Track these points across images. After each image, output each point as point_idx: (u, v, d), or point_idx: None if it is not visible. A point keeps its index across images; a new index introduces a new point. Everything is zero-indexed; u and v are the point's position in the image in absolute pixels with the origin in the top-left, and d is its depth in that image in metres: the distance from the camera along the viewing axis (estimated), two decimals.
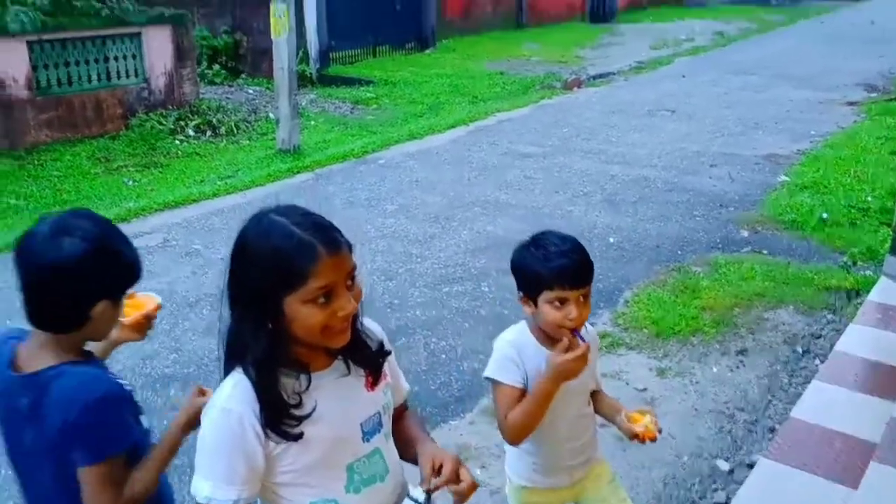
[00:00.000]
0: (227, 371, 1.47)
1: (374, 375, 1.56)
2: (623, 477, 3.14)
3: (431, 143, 8.53)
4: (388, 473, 1.57)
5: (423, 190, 6.89)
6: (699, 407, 3.69)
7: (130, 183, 7.54)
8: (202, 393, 1.69)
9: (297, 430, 1.43)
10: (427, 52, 14.95)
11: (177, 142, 8.92)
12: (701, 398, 3.76)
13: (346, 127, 9.55)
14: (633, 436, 2.00)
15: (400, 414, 1.73)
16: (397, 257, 5.41)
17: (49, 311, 1.53)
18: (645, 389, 3.82)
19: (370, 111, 10.46)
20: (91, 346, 1.67)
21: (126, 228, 5.75)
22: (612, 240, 5.75)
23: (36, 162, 8.07)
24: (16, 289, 1.55)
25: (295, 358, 1.45)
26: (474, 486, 1.50)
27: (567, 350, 1.86)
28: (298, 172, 7.41)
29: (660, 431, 2.02)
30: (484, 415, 3.63)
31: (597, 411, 2.18)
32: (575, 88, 11.80)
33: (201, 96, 10.26)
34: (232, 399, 1.42)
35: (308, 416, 1.44)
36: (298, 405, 1.43)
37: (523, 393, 1.95)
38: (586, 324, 2.10)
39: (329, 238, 1.41)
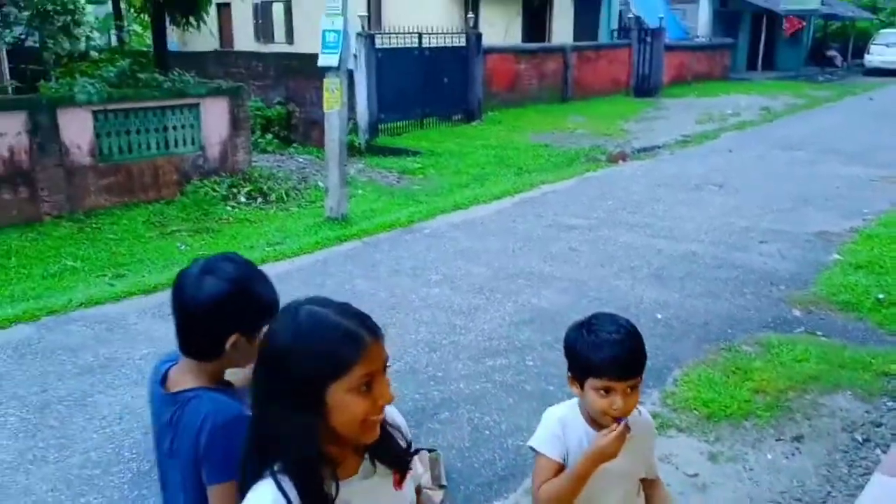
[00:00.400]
0: (251, 472, 1.43)
1: (402, 473, 1.54)
2: None
3: (476, 214, 8.60)
4: None
5: (468, 260, 6.91)
6: (754, 496, 3.54)
7: (182, 247, 7.73)
8: None
9: None
10: (473, 123, 15.23)
11: (228, 208, 9.17)
12: (756, 486, 3.61)
13: (393, 196, 9.70)
14: None
15: (417, 497, 1.71)
16: (441, 328, 5.39)
17: (192, 341, 1.74)
18: (696, 475, 3.69)
19: (416, 181, 10.63)
20: (232, 376, 1.83)
21: None
22: (659, 316, 5.66)
23: (94, 225, 8.35)
24: None
25: (328, 459, 1.42)
26: None
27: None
28: (346, 240, 7.51)
29: None
30: (528, 495, 3.53)
31: (647, 502, 2.12)
32: (620, 161, 11.85)
33: (254, 164, 10.58)
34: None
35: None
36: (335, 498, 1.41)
37: (561, 468, 1.95)
38: (641, 409, 2.09)
39: (371, 325, 1.42)
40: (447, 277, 6.44)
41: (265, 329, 1.54)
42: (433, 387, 4.53)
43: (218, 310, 1.69)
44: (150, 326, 5.37)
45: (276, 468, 1.39)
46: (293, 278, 6.25)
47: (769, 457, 3.85)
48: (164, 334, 5.07)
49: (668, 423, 4.16)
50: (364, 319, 1.43)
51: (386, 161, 11.81)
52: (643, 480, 2.13)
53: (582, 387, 1.94)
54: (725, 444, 3.96)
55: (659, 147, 13.20)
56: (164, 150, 9.44)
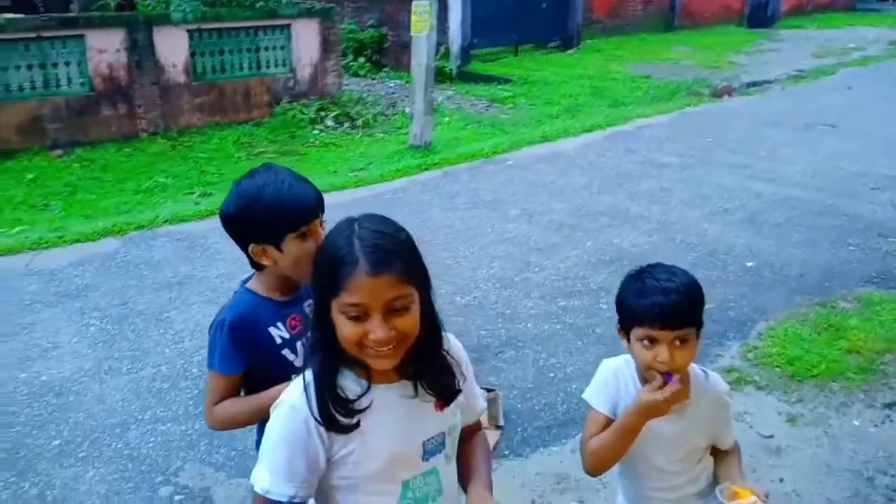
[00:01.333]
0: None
1: (445, 402, 1.51)
2: None
3: (564, 147, 8.28)
4: (441, 495, 1.53)
5: (550, 195, 6.68)
6: (833, 464, 3.30)
7: None
8: None
9: (351, 421, 1.41)
10: (570, 51, 14.61)
11: (315, 131, 9.18)
12: (836, 454, 3.36)
13: (480, 125, 9.46)
14: None
15: (469, 434, 1.66)
16: (515, 264, 5.24)
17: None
18: (771, 436, 3.47)
19: (505, 110, 10.32)
20: None
21: None
22: (749, 264, 5.31)
23: (186, 143, 8.53)
24: None
25: (356, 360, 1.43)
26: None
27: (659, 389, 1.74)
28: (427, 169, 7.39)
29: None
30: None
31: (714, 473, 1.97)
32: (725, 96, 11.13)
33: (343, 88, 10.51)
34: (297, 398, 1.42)
35: (363, 410, 1.42)
36: (354, 401, 1.42)
37: (610, 422, 1.86)
38: (709, 373, 1.97)
39: (377, 259, 1.33)
40: (526, 212, 6.25)
41: (290, 238, 1.74)
42: (500, 324, 4.43)
43: (228, 224, 1.84)
44: (228, 246, 5.43)
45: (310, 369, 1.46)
46: (370, 206, 6.15)
47: (855, 423, 3.57)
48: (240, 255, 5.14)
49: (746, 378, 3.92)
50: (379, 252, 1.34)
51: (476, 88, 11.51)
52: (715, 451, 1.98)
53: (629, 339, 1.82)
54: (808, 405, 3.70)
55: (769, 82, 12.31)
56: (256, 71, 9.47)
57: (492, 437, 3.43)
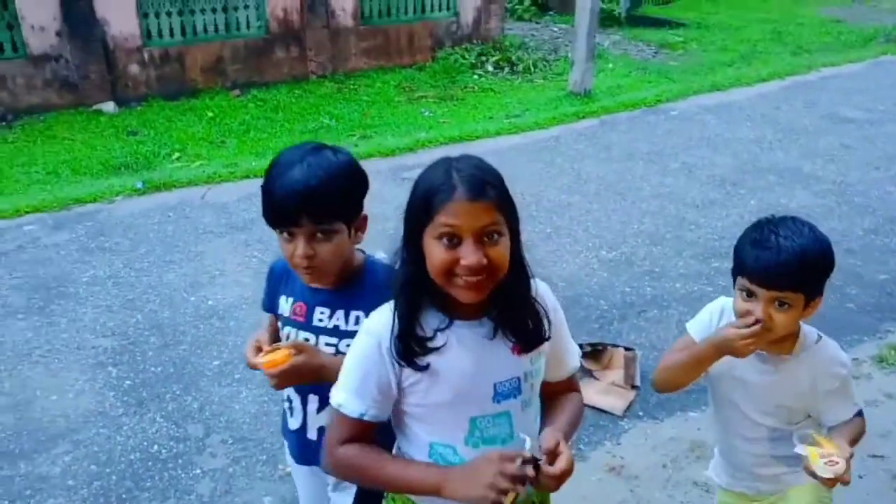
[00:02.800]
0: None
1: (524, 346, 1.50)
2: None
3: (735, 97, 7.74)
4: (511, 440, 1.50)
5: (714, 149, 6.29)
6: None
7: (427, 114, 7.93)
8: None
9: (423, 362, 1.44)
10: None
11: (475, 76, 9.17)
12: None
13: (645, 72, 9.04)
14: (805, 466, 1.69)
15: (559, 392, 1.64)
16: (668, 221, 5.02)
17: None
18: None
19: (674, 56, 9.78)
20: None
21: (411, 158, 6.16)
22: None
23: (352, 86, 8.82)
24: None
25: (439, 296, 1.45)
26: (555, 484, 1.40)
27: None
28: (584, 117, 7.18)
29: (844, 483, 1.65)
30: None
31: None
32: None
33: (506, 32, 10.38)
34: (378, 325, 1.48)
35: (437, 349, 1.44)
36: (431, 339, 1.44)
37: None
38: (825, 337, 1.86)
39: (474, 186, 1.37)
40: (686, 166, 5.94)
41: (278, 231, 1.67)
42: (647, 282, 4.28)
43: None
44: (383, 189, 5.62)
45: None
46: (523, 153, 6.14)
47: None
48: (393, 196, 5.29)
49: None
50: (476, 181, 1.38)
51: (645, 33, 10.97)
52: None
53: (734, 284, 1.77)
54: None
55: None
56: (421, 15, 9.56)
57: (626, 396, 3.38)
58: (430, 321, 1.46)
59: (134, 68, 8.00)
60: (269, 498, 2.85)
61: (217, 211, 5.35)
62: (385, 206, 5.43)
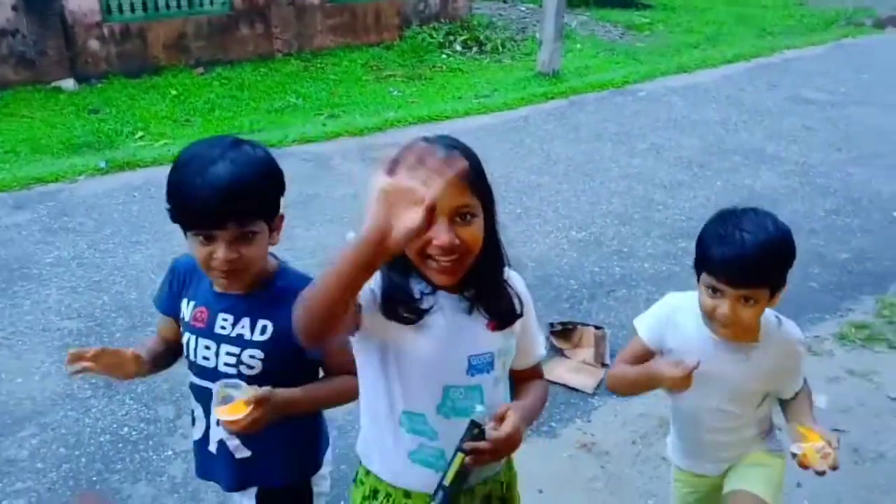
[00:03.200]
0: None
1: (498, 323, 1.51)
2: (848, 495, 2.74)
3: (700, 79, 7.82)
4: (484, 414, 1.50)
5: (681, 130, 6.37)
6: None
7: (395, 93, 7.88)
8: None
9: (412, 317, 1.43)
10: None
11: (443, 56, 9.12)
12: None
13: (613, 53, 9.08)
14: (793, 455, 1.72)
15: (527, 378, 1.67)
16: (637, 201, 5.08)
17: None
18: None
19: (641, 38, 9.84)
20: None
21: (382, 138, 6.13)
22: None
23: (318, 65, 8.71)
24: None
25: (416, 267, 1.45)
26: (498, 447, 1.41)
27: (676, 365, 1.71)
28: (553, 98, 7.20)
29: (833, 468, 1.68)
30: None
31: (785, 416, 1.94)
32: (890, 27, 10.09)
33: (474, 11, 10.33)
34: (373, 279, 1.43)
35: (427, 310, 1.44)
36: (419, 300, 1.44)
37: (647, 353, 1.86)
38: (784, 320, 1.87)
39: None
40: (654, 147, 6.00)
41: (191, 235, 1.55)
42: (615, 262, 4.33)
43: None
44: (352, 168, 5.59)
45: None
46: (492, 134, 6.14)
47: None
48: (364, 177, 5.26)
49: (878, 336, 3.68)
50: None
51: (612, 14, 11.01)
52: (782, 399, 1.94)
53: (699, 279, 1.75)
54: None
55: None
56: None
57: (597, 374, 3.42)
58: (415, 286, 1.46)
59: (94, 44, 7.79)
60: None
61: None
62: (356, 186, 5.45)
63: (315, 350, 1.40)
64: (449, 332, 1.46)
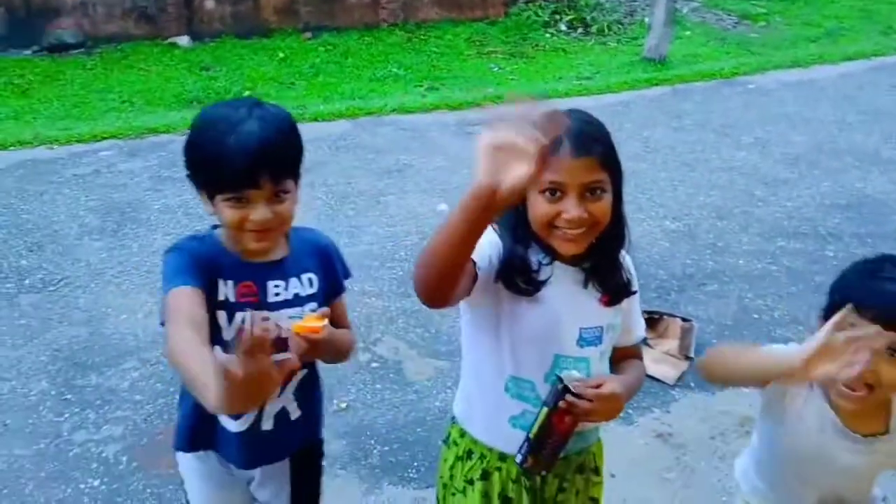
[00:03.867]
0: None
1: (611, 298, 1.56)
2: None
3: (816, 75, 7.45)
4: None
5: (790, 126, 6.11)
6: None
7: (496, 69, 7.86)
8: None
9: (529, 288, 1.47)
10: None
11: (547, 35, 9.00)
12: None
13: (724, 42, 8.76)
14: None
15: (626, 357, 1.68)
16: (736, 195, 4.92)
17: None
18: None
19: (756, 28, 9.44)
20: None
21: (477, 114, 6.13)
22: None
23: (422, 36, 8.75)
24: None
25: (542, 242, 1.49)
26: (595, 407, 1.41)
27: None
28: (657, 84, 7.01)
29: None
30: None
31: None
32: None
33: None
34: (486, 244, 1.44)
35: (544, 281, 1.48)
36: (536, 271, 1.48)
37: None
38: None
39: (580, 142, 1.40)
40: (760, 141, 5.78)
41: (221, 199, 1.47)
42: (709, 256, 4.22)
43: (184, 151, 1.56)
44: (448, 141, 5.63)
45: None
46: None
47: None
48: (459, 151, 5.30)
49: None
50: (584, 137, 1.40)
51: (727, 2, 10.54)
52: None
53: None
54: None
55: None
56: None
57: (679, 366, 3.37)
58: (533, 255, 1.50)
59: (209, 4, 8.07)
60: None
61: None
62: (449, 159, 5.51)
63: (435, 307, 1.36)
64: (563, 302, 1.50)
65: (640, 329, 1.70)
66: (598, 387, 1.43)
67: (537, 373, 1.52)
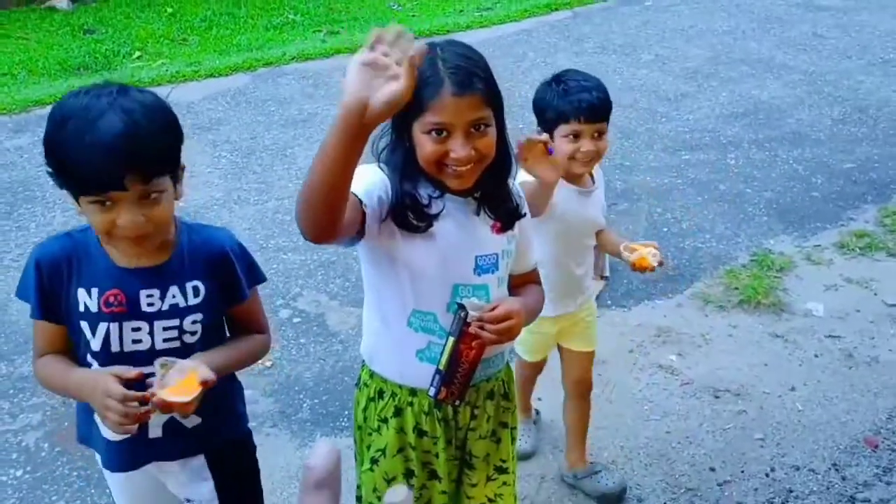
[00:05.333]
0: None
1: (503, 224, 1.58)
2: (840, 398, 2.82)
3: None
4: None
5: (688, 40, 6.22)
6: None
7: (395, 6, 7.68)
8: None
9: (421, 224, 1.48)
10: None
11: None
12: None
13: None
14: (631, 265, 2.13)
15: (524, 283, 1.71)
16: (640, 114, 5.02)
17: None
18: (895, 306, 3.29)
19: None
20: None
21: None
22: None
23: None
24: None
25: (431, 177, 1.50)
26: (495, 328, 1.45)
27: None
28: (557, 9, 7.01)
29: (661, 264, 2.10)
30: (695, 300, 3.39)
31: (602, 249, 2.36)
32: None
33: None
34: (374, 179, 1.46)
35: (436, 215, 1.49)
36: (427, 205, 1.49)
37: None
38: (598, 169, 2.24)
39: (461, 80, 1.39)
40: (659, 58, 5.88)
41: (85, 201, 1.34)
42: (617, 175, 4.31)
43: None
44: None
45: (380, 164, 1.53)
46: (493, 47, 5.99)
47: None
48: None
49: (877, 244, 3.69)
50: (462, 72, 1.39)
51: None
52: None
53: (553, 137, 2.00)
54: None
55: None
56: None
57: (596, 286, 3.44)
58: (423, 193, 1.50)
59: None
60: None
61: (182, 111, 5.09)
62: None
63: (320, 243, 1.34)
64: (457, 233, 1.52)
65: (533, 254, 1.72)
66: (494, 309, 1.46)
67: (439, 304, 1.53)
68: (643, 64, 5.79)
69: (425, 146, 1.42)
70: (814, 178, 4.22)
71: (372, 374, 1.64)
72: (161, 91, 5.47)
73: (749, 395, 2.85)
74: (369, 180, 1.44)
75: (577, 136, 2.00)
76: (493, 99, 1.45)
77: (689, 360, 3.04)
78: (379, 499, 1.66)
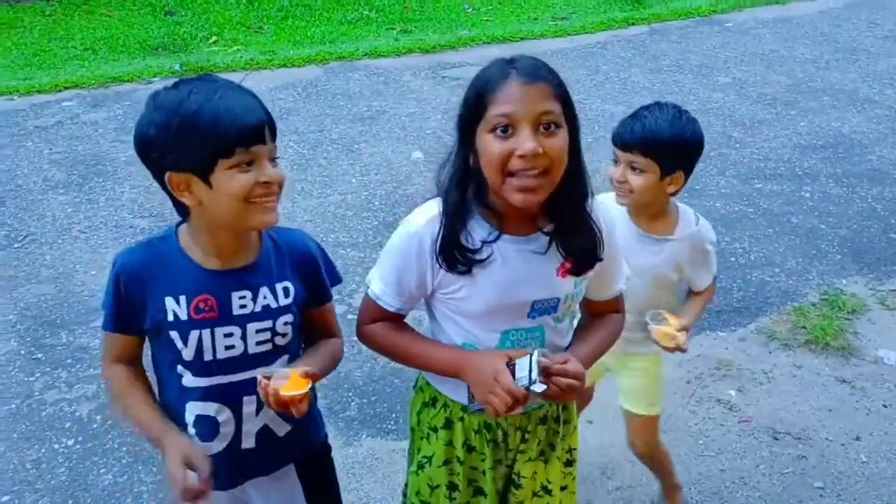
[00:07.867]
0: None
1: (574, 268, 1.44)
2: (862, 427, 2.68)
3: (795, 12, 7.36)
4: (544, 348, 1.47)
5: (768, 65, 6.04)
6: None
7: (470, 10, 7.66)
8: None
9: (465, 269, 1.41)
10: None
11: None
12: None
13: None
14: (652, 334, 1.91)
15: (603, 311, 1.60)
16: (713, 138, 4.87)
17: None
18: None
19: None
20: None
21: (452, 56, 6.00)
22: None
23: None
24: None
25: (491, 207, 1.41)
26: (566, 391, 1.37)
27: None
28: (633, 24, 6.90)
29: (678, 350, 1.88)
30: (759, 335, 3.26)
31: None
32: None
33: None
34: (421, 221, 1.43)
35: (481, 261, 1.39)
36: (477, 250, 1.39)
37: None
38: (702, 220, 2.06)
39: (530, 71, 1.30)
40: (737, 81, 5.73)
41: (223, 167, 1.30)
42: (685, 199, 4.13)
43: (141, 147, 1.35)
44: (422, 85, 5.51)
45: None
46: (567, 58, 5.95)
47: None
48: (432, 95, 5.20)
49: None
50: (529, 64, 1.32)
51: None
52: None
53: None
54: None
55: None
56: None
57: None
58: (478, 231, 1.40)
59: None
60: None
61: None
62: (423, 105, 5.39)
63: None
64: (512, 281, 1.42)
65: (619, 281, 1.57)
66: (561, 370, 1.36)
67: (489, 344, 1.47)
68: (720, 86, 5.64)
69: (490, 147, 1.30)
70: (893, 218, 4.04)
71: (428, 382, 1.61)
72: (234, 77, 5.56)
73: (810, 440, 2.74)
74: (398, 278, 1.47)
75: (616, 161, 1.89)
76: (565, 101, 1.33)
77: (749, 396, 2.93)
78: (422, 502, 1.64)
